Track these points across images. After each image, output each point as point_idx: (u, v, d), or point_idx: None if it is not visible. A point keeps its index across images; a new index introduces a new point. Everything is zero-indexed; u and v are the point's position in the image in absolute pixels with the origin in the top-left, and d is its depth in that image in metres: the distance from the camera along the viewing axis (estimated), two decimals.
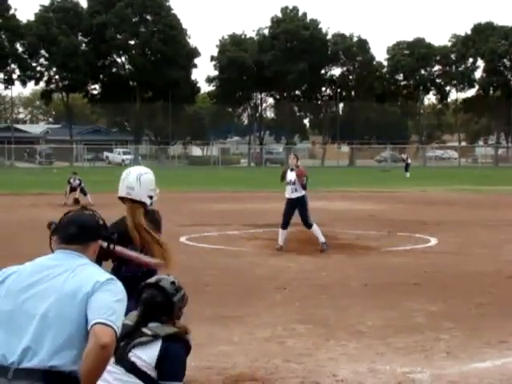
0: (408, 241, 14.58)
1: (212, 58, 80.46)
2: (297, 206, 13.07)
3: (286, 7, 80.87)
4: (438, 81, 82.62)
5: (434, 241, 14.49)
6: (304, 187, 13.00)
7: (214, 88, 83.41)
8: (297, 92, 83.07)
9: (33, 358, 2.89)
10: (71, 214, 3.34)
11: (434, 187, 33.88)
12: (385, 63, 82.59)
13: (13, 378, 2.86)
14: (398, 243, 14.17)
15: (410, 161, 49.97)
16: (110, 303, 2.96)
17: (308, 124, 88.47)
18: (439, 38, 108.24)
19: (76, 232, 3.21)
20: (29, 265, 3.15)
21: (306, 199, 13.16)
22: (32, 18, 74.36)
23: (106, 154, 77.92)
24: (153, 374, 3.75)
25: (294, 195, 13.05)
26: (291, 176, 13.05)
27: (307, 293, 9.21)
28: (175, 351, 3.79)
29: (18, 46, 73.96)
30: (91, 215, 3.41)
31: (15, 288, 3.04)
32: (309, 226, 13.06)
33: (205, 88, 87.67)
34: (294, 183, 13.03)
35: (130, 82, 78.26)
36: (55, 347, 2.92)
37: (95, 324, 2.88)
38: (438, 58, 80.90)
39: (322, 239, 12.97)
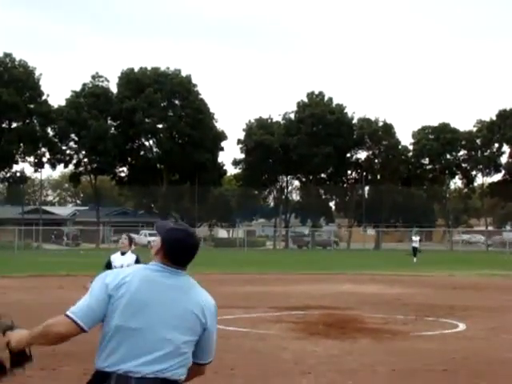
0: (436, 326, 14.34)
1: (239, 142, 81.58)
2: None
3: (312, 92, 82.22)
4: (463, 165, 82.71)
5: (462, 326, 14.25)
6: None
7: (240, 171, 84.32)
8: (322, 175, 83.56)
9: (153, 368, 3.27)
10: (186, 236, 3.49)
11: (462, 271, 33.49)
12: (410, 147, 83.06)
13: None
14: (426, 328, 13.95)
15: (418, 245, 44.42)
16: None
17: (334, 207, 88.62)
18: (464, 123, 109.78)
19: (192, 257, 3.50)
20: (138, 276, 3.37)
21: None
22: (63, 103, 76.36)
23: (132, 235, 78.33)
24: None
25: None
26: (122, 261, 11.06)
27: (333, 378, 9.06)
28: None
29: (49, 130, 75.65)
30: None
31: (132, 302, 3.32)
32: None
33: (231, 171, 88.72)
34: None
35: (158, 165, 79.33)
36: (176, 362, 3.34)
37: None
38: (463, 142, 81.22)
39: None
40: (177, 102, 78.22)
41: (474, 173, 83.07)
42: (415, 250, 43.51)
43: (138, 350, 3.29)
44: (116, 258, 11.24)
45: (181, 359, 3.36)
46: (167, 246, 3.44)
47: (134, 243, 11.54)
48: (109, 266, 10.98)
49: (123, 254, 11.21)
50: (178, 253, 3.43)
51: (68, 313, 3.36)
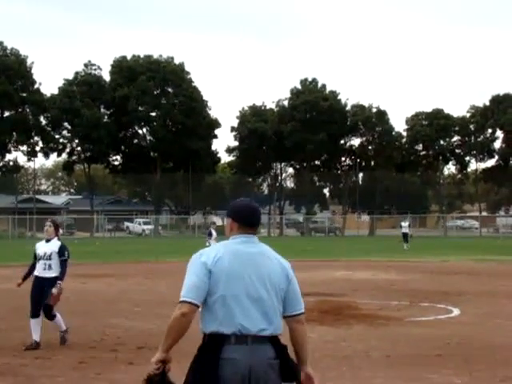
0: (430, 311, 14.39)
1: (232, 129, 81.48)
2: (47, 288, 10.21)
3: (306, 79, 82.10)
4: (457, 151, 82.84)
5: (456, 311, 14.29)
6: (63, 264, 10.44)
7: (234, 158, 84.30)
8: (316, 162, 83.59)
9: (261, 326, 3.87)
10: (248, 203, 4.16)
11: (456, 257, 33.60)
12: (404, 133, 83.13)
13: (251, 343, 3.84)
14: (420, 314, 13.99)
15: (408, 230, 43.79)
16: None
17: (328, 193, 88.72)
18: (458, 108, 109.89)
19: (258, 218, 4.12)
20: (227, 251, 3.94)
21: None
22: (56, 92, 76.09)
23: (126, 224, 78.36)
24: None
25: (48, 274, 10.33)
26: (46, 248, 10.45)
27: (328, 364, 9.08)
28: None
29: (41, 118, 75.44)
30: None
31: (231, 273, 3.88)
32: (51, 316, 10.45)
33: (225, 158, 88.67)
34: (49, 258, 10.36)
35: (151, 153, 79.24)
36: (275, 319, 3.93)
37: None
38: (456, 128, 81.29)
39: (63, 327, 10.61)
40: (170, 89, 78.04)
41: (467, 158, 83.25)
42: (406, 235, 42.94)
43: (245, 313, 3.86)
44: (40, 246, 10.57)
45: (279, 315, 3.98)
46: (236, 215, 4.08)
47: (58, 230, 10.78)
48: (35, 255, 10.53)
49: (48, 241, 10.50)
50: (246, 215, 4.06)
51: (180, 299, 3.87)
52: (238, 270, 3.89)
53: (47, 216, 73.88)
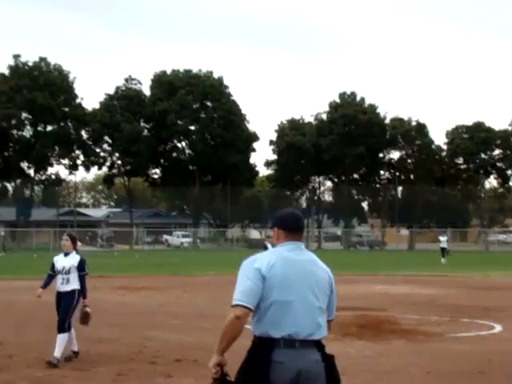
0: (471, 327, 14.16)
1: (271, 143, 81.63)
2: (63, 302, 10.14)
3: (344, 92, 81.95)
4: (498, 164, 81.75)
5: (498, 327, 14.04)
6: (82, 278, 10.23)
7: (272, 172, 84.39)
8: (355, 175, 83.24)
9: (309, 331, 4.07)
10: (291, 210, 4.45)
11: (498, 272, 33.07)
12: (444, 147, 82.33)
13: (300, 347, 4.03)
14: (461, 329, 13.77)
15: (446, 245, 43.50)
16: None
17: (366, 207, 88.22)
18: (499, 121, 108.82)
19: (302, 224, 4.37)
20: (279, 259, 4.14)
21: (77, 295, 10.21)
22: (97, 106, 77.10)
23: (165, 236, 78.81)
24: None
25: (65, 288, 10.19)
26: (65, 263, 10.31)
27: (367, 379, 8.99)
28: None
29: (83, 132, 76.44)
30: None
31: (283, 280, 4.08)
32: (63, 329, 10.00)
33: (263, 172, 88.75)
34: (68, 272, 10.22)
35: (190, 167, 79.68)
36: (322, 324, 4.16)
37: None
38: (498, 141, 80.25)
39: (57, 353, 9.85)
40: (209, 103, 78.51)
41: (509, 172, 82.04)
42: (443, 250, 42.83)
43: (295, 318, 4.05)
44: (59, 260, 10.46)
45: (324, 320, 4.20)
46: (281, 222, 4.30)
47: (76, 243, 10.63)
48: (53, 268, 10.45)
49: (66, 255, 10.40)
50: (291, 221, 4.29)
51: (234, 303, 4.02)
52: (289, 277, 4.10)
53: (88, 229, 75.00)
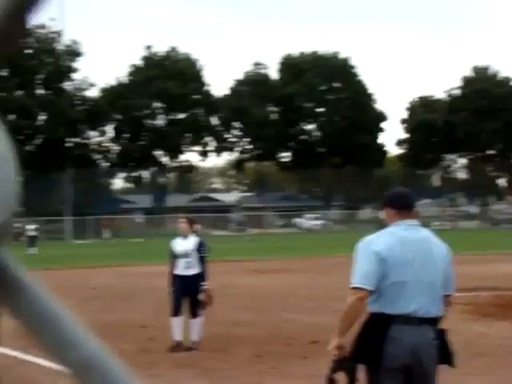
0: None
1: (402, 121, 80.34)
2: (193, 285, 10.09)
3: (478, 66, 79.23)
4: None
5: None
6: (203, 261, 10.23)
7: (403, 151, 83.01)
8: (490, 152, 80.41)
9: (428, 309, 4.17)
10: (399, 189, 4.76)
11: None
12: None
13: (416, 324, 4.11)
14: None
15: None
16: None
17: (504, 184, 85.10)
18: None
19: (412, 200, 4.50)
20: (395, 239, 4.21)
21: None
22: (226, 92, 78.41)
23: (296, 219, 79.21)
24: None
25: (190, 272, 10.15)
26: (184, 246, 10.24)
27: (506, 361, 8.72)
28: None
29: (213, 119, 77.97)
30: None
31: (402, 260, 4.15)
32: (196, 314, 10.11)
33: (394, 151, 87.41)
34: (188, 255, 10.12)
35: (319, 149, 79.64)
36: (438, 302, 4.23)
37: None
38: None
39: (195, 337, 10.03)
40: (336, 84, 78.06)
41: None
42: None
43: (413, 297, 4.13)
44: (177, 243, 10.37)
45: (441, 298, 4.27)
46: (391, 201, 4.41)
47: (193, 226, 10.48)
48: (172, 252, 10.33)
49: (185, 237, 10.29)
50: (400, 199, 4.39)
51: (354, 285, 4.15)
52: (407, 257, 4.17)
53: (220, 214, 76.61)
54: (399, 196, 4.46)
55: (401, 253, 4.17)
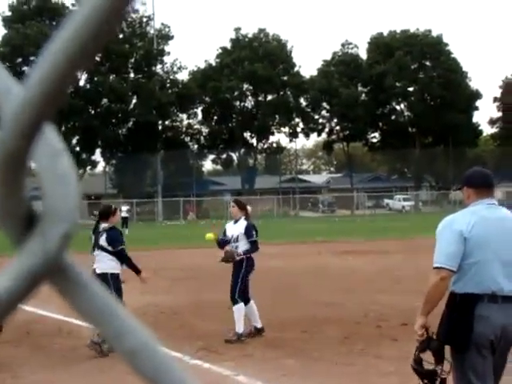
0: None
1: (495, 100, 78.08)
2: (235, 271, 9.84)
3: None
4: None
5: None
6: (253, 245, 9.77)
7: (497, 130, 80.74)
8: None
9: (510, 287, 4.20)
10: (478, 169, 4.70)
11: None
12: None
13: (502, 302, 4.16)
14: None
15: None
16: None
17: None
18: None
19: (492, 180, 4.50)
20: (477, 218, 4.23)
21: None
22: (314, 73, 78.10)
23: (386, 201, 78.41)
24: None
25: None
26: (233, 230, 9.94)
27: None
28: None
29: (301, 100, 77.84)
30: None
31: (484, 239, 4.20)
32: (234, 301, 9.69)
33: (487, 130, 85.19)
34: (236, 240, 9.81)
35: (410, 129, 78.46)
36: None
37: None
38: None
39: (238, 328, 9.55)
40: (428, 63, 76.56)
41: None
42: None
43: (497, 276, 4.16)
44: (228, 228, 10.18)
45: None
46: (470, 181, 4.43)
47: (244, 209, 10.09)
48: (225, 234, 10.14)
49: (236, 222, 10.02)
50: (479, 179, 4.41)
51: (437, 265, 4.20)
52: (489, 236, 4.21)
53: (309, 195, 76.61)
54: (479, 176, 4.46)
55: (483, 232, 4.21)
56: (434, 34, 77.08)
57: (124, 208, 43.48)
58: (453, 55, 77.04)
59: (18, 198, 0.41)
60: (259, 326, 9.84)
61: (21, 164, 0.40)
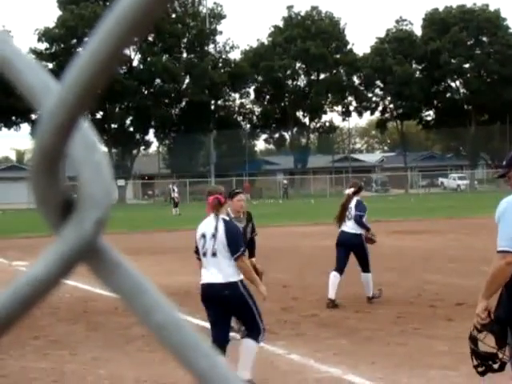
0: None
1: None
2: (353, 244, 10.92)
3: None
4: None
5: None
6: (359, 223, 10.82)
7: None
8: None
9: None
10: None
11: None
12: None
13: None
14: None
15: None
16: None
17: None
18: None
19: None
20: None
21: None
22: (368, 51, 77.30)
23: (440, 179, 77.50)
24: None
25: (352, 230, 10.87)
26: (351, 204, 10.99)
27: None
28: None
29: (354, 78, 77.22)
30: None
31: None
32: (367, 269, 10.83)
33: None
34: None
35: (465, 106, 77.20)
36: None
37: None
38: None
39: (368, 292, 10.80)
40: (484, 38, 75.03)
41: None
42: None
43: None
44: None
45: None
46: None
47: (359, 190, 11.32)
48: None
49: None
50: None
51: (503, 249, 4.04)
52: None
53: (362, 175, 76.16)
54: None
55: None
56: (492, 8, 75.59)
57: (175, 188, 43.74)
58: (511, 30, 75.37)
59: (56, 187, 0.45)
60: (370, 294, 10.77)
61: (57, 157, 0.43)
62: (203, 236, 6.48)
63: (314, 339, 8.45)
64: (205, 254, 6.47)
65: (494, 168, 77.84)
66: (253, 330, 6.54)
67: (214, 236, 6.40)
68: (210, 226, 6.47)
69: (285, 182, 67.81)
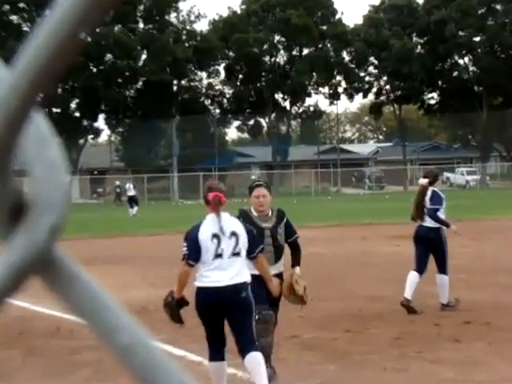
0: None
1: None
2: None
3: None
4: None
5: None
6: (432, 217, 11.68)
7: None
8: None
9: None
10: None
11: None
12: None
13: None
14: None
15: None
16: None
17: None
18: None
19: None
20: None
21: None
22: (360, 22, 77.61)
23: (446, 174, 78.02)
24: None
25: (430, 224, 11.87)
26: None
27: None
28: None
29: (344, 54, 77.46)
30: None
31: None
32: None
33: None
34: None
35: (475, 88, 77.75)
36: None
37: None
38: None
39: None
40: (497, 7, 75.58)
41: None
42: None
43: None
44: None
45: None
46: None
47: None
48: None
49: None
50: None
51: None
52: None
53: (353, 169, 76.38)
54: None
55: None
56: None
57: (131, 185, 43.57)
58: None
59: (5, 188, 0.45)
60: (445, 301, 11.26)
61: (7, 153, 0.43)
62: (215, 236, 6.95)
63: (296, 364, 8.46)
64: (220, 255, 6.93)
65: (510, 161, 78.58)
66: (250, 342, 6.93)
67: (234, 234, 6.98)
68: (224, 224, 7.00)
69: (254, 177, 67.76)
